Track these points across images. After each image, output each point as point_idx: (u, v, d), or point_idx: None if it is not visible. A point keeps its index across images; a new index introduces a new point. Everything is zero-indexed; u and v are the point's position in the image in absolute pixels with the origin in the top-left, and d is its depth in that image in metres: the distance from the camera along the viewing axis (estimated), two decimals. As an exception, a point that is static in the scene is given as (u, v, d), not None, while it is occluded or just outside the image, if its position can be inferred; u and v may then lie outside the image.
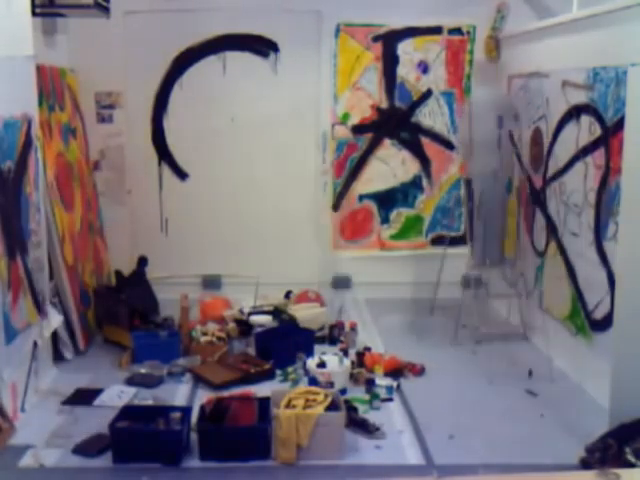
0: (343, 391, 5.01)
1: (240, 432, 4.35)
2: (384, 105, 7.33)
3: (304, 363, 5.39)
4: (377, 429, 4.57)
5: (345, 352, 5.70)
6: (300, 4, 7.07)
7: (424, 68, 7.29)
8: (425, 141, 7.36)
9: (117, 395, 5.09)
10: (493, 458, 4.27)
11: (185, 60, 7.15)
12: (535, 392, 5.20)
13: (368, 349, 5.82)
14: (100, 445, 4.34)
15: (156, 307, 6.58)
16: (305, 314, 6.37)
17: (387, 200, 7.47)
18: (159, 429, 4.31)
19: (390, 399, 5.10)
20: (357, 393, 5.12)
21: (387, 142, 7.39)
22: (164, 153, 7.33)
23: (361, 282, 7.47)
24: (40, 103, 5.48)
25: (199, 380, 5.35)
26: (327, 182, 7.41)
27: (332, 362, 5.24)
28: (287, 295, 6.90)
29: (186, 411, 4.48)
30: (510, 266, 6.46)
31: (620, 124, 4.57)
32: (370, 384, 5.21)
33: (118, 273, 6.65)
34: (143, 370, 5.41)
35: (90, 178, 6.97)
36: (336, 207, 7.47)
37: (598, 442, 4.14)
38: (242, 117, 7.24)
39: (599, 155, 5.07)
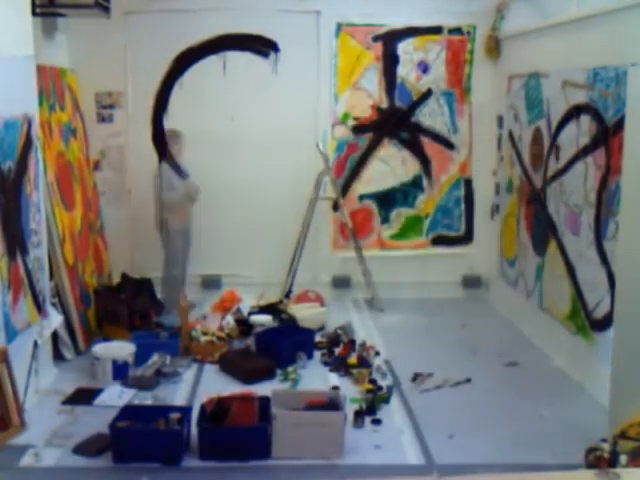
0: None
1: (240, 432, 4.34)
2: (384, 105, 7.33)
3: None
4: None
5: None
6: (300, 4, 7.06)
7: (424, 68, 7.28)
8: (425, 141, 7.36)
9: (117, 395, 5.08)
10: (493, 458, 4.27)
11: (185, 60, 7.15)
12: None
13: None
14: (100, 445, 4.34)
15: (162, 311, 6.59)
16: (305, 314, 6.37)
17: (387, 200, 7.47)
18: (159, 429, 4.31)
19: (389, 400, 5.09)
20: (357, 394, 5.09)
21: (387, 142, 7.39)
22: (164, 153, 7.32)
23: (361, 282, 7.46)
24: (40, 103, 5.48)
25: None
26: (327, 182, 7.41)
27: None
28: (287, 295, 6.90)
29: (186, 411, 4.48)
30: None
31: (620, 124, 4.58)
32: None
33: (125, 276, 6.65)
34: (139, 372, 5.38)
35: (90, 178, 6.97)
36: (336, 207, 7.47)
37: (598, 442, 4.12)
38: (242, 117, 7.24)
39: (599, 155, 5.07)
